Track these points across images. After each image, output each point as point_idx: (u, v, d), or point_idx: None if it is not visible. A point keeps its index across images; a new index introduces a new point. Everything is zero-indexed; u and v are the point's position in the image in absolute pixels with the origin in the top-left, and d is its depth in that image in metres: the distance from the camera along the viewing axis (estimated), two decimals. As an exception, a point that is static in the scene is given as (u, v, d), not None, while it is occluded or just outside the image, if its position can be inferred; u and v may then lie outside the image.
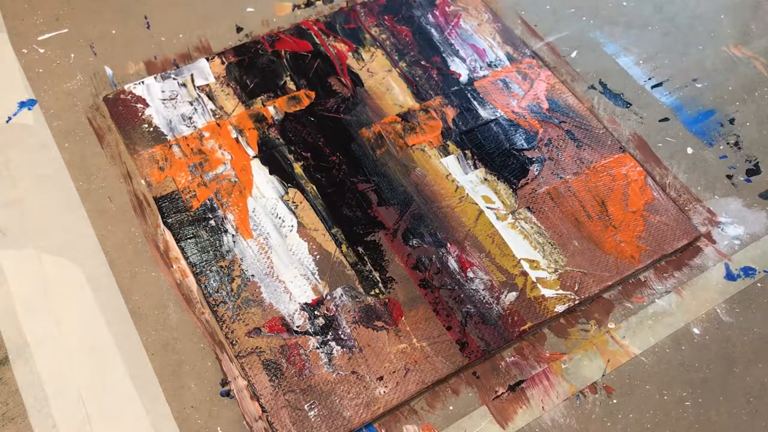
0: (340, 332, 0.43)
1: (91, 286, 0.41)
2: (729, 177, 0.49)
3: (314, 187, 0.48)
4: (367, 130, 0.49)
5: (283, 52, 0.52)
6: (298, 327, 0.43)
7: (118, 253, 0.43)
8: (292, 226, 0.47)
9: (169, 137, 0.47)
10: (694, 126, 0.52)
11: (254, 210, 0.48)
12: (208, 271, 0.44)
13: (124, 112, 0.48)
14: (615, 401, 0.40)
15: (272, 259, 0.46)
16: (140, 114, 0.48)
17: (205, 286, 0.42)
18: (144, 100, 0.49)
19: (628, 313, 0.43)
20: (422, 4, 0.57)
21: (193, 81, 0.50)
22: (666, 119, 0.52)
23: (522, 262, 0.44)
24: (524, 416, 0.39)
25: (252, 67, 0.52)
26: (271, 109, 0.49)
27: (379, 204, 0.45)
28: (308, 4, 0.56)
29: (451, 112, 0.50)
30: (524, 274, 0.43)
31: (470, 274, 0.43)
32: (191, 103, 0.49)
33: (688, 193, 0.48)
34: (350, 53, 0.53)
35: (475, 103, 0.51)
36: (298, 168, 0.49)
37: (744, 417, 0.39)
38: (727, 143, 0.51)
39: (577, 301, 0.42)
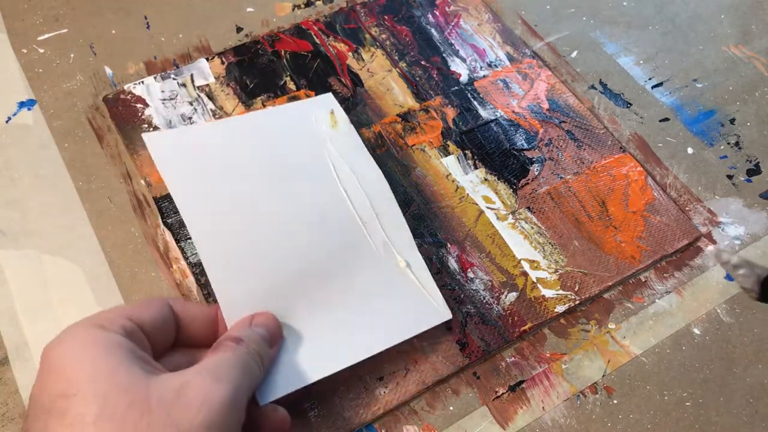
0: (340, 332, 0.43)
1: (91, 286, 0.41)
2: (729, 177, 0.49)
3: (314, 187, 0.48)
4: (367, 130, 0.49)
5: (283, 52, 0.52)
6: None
7: (118, 253, 0.43)
8: (293, 226, 0.47)
9: (169, 137, 0.47)
10: (694, 126, 0.52)
11: (254, 210, 0.48)
12: (208, 272, 0.44)
13: (124, 112, 0.48)
14: (615, 401, 0.40)
15: (272, 259, 0.46)
16: (140, 114, 0.48)
17: (206, 286, 0.42)
18: (144, 100, 0.49)
19: (628, 314, 0.43)
20: (422, 4, 0.57)
21: (192, 81, 0.50)
22: (666, 119, 0.52)
23: (522, 262, 0.44)
24: (524, 416, 0.39)
25: (252, 67, 0.51)
26: (271, 109, 0.49)
27: (379, 204, 0.45)
28: (308, 4, 0.56)
29: (451, 112, 0.50)
30: (524, 274, 0.43)
31: (470, 275, 0.43)
32: (191, 103, 0.49)
33: (688, 193, 0.48)
34: (350, 53, 0.53)
35: (475, 103, 0.51)
36: (298, 168, 0.49)
37: (744, 418, 0.39)
38: (728, 143, 0.51)
39: (577, 302, 0.42)
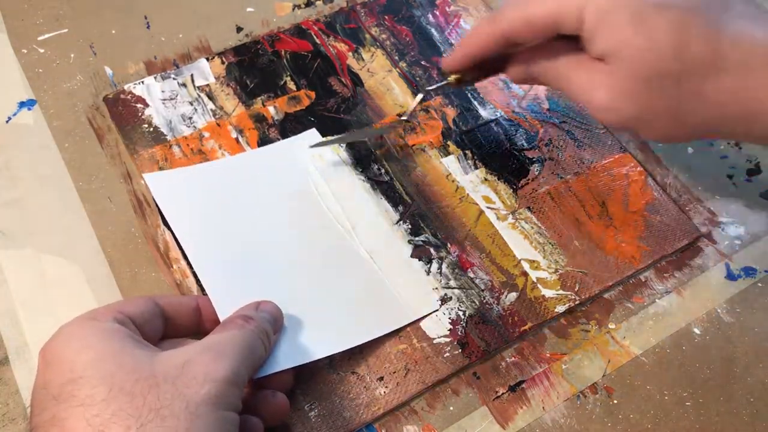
0: (340, 332, 0.43)
1: (91, 286, 0.41)
2: (729, 177, 0.49)
3: (314, 187, 0.48)
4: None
5: (283, 52, 0.52)
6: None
7: (118, 253, 0.43)
8: (293, 226, 0.47)
9: (169, 137, 0.47)
10: (694, 126, 0.51)
11: (254, 210, 0.48)
12: (208, 272, 0.44)
13: (124, 112, 0.48)
14: (615, 401, 0.40)
15: (272, 259, 0.46)
16: (140, 114, 0.48)
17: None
18: (144, 100, 0.49)
19: (628, 314, 0.43)
20: (422, 4, 0.57)
21: (193, 81, 0.50)
22: (666, 119, 0.51)
23: (522, 262, 0.44)
24: (525, 416, 0.39)
25: (252, 67, 0.51)
26: (271, 109, 0.49)
27: (379, 204, 0.45)
28: (308, 4, 0.56)
29: (451, 112, 0.50)
30: (524, 274, 0.43)
31: (470, 275, 0.43)
32: (191, 103, 0.49)
33: (688, 193, 0.48)
34: (350, 53, 0.53)
35: (475, 103, 0.51)
36: (298, 168, 0.49)
37: (745, 417, 0.39)
38: (728, 143, 0.51)
39: (577, 302, 0.42)
